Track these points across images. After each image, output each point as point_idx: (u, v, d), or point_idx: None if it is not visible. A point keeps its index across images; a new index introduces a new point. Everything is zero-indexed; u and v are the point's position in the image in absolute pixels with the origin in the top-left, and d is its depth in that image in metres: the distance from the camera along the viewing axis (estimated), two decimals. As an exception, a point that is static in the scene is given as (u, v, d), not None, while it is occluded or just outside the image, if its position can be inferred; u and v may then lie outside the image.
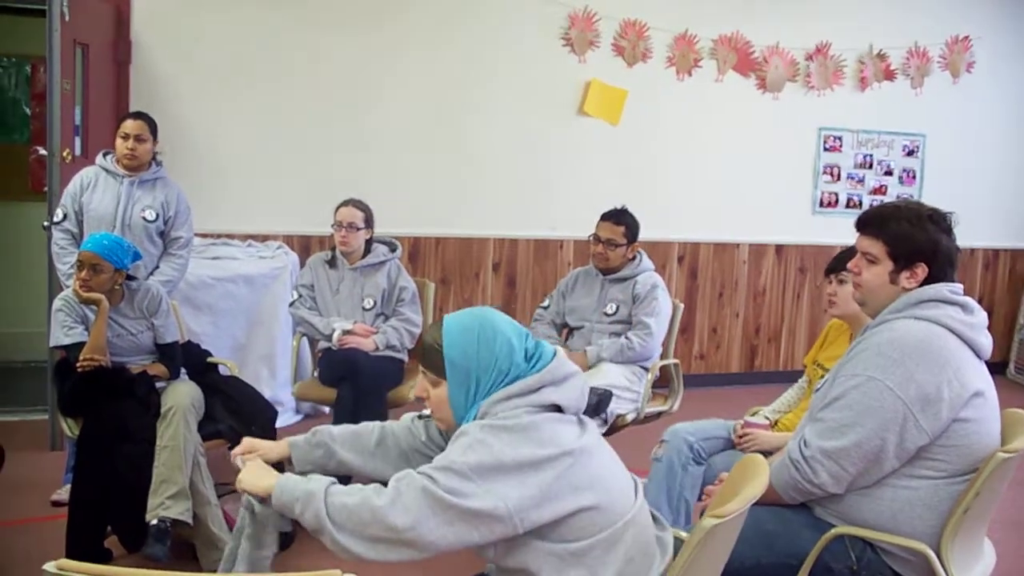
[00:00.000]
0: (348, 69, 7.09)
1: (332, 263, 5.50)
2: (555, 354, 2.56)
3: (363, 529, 2.34)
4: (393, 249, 5.60)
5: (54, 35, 5.58)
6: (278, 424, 4.89)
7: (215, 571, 4.22)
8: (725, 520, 2.41)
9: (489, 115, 7.44)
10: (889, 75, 8.44)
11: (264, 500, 2.55)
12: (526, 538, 2.38)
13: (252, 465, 2.68)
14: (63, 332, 4.49)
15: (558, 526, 2.38)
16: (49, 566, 2.04)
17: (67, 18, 5.65)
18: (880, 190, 8.57)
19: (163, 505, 4.14)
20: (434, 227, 7.41)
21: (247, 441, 3.00)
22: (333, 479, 2.46)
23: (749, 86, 8.11)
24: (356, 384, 5.02)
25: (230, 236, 6.85)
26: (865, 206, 8.37)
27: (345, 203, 5.46)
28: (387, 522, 2.31)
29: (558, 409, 2.47)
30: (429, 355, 2.55)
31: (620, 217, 5.46)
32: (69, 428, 4.55)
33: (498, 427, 2.39)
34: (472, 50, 7.35)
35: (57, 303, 4.57)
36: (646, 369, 5.33)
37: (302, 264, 6.10)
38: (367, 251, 5.50)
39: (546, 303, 5.72)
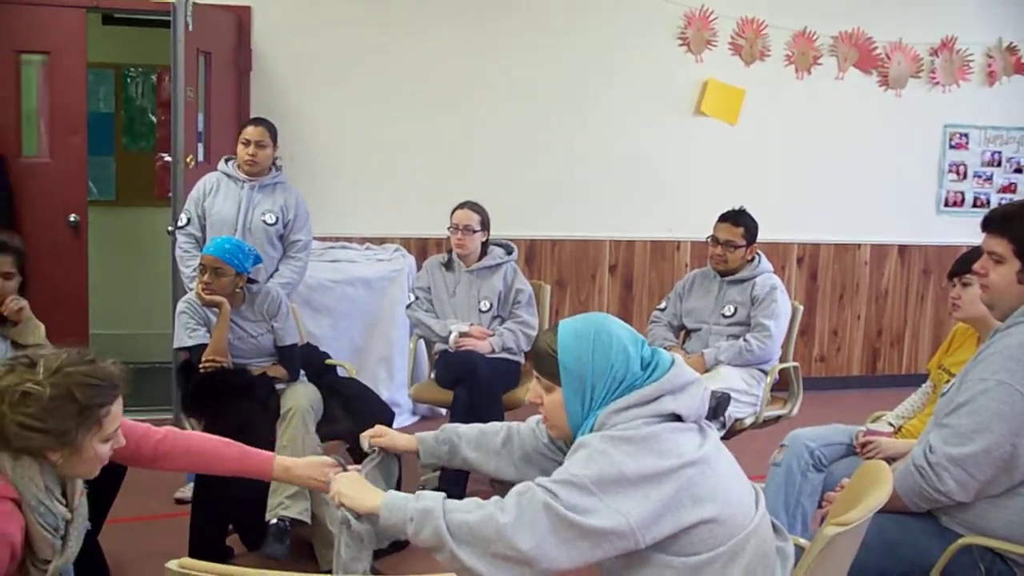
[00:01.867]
0: (464, 73, 7.13)
1: (449, 266, 5.52)
2: (673, 362, 2.51)
3: (487, 546, 2.30)
4: (509, 251, 5.59)
5: (178, 45, 5.70)
6: (395, 426, 4.89)
7: (332, 571, 4.28)
8: (848, 528, 2.35)
9: (605, 116, 7.41)
10: (1020, 69, 8.17)
11: (360, 517, 2.52)
12: (645, 552, 2.33)
13: (351, 480, 2.63)
14: (186, 334, 4.59)
15: (678, 539, 2.33)
16: (172, 564, 2.07)
17: (191, 28, 5.77)
18: (1009, 188, 8.31)
19: (282, 505, 4.21)
20: (550, 229, 7.41)
21: (379, 427, 3.01)
22: (444, 494, 2.42)
23: (871, 83, 7.94)
24: (472, 386, 5.03)
25: (348, 239, 6.94)
26: (993, 205, 8.12)
27: (461, 206, 5.48)
28: (511, 541, 2.27)
29: (678, 418, 2.42)
30: (543, 360, 2.52)
31: (739, 218, 5.38)
32: (192, 428, 4.63)
33: (618, 438, 2.34)
34: (588, 51, 7.33)
35: (181, 306, 4.67)
36: (765, 372, 5.24)
37: (419, 267, 6.12)
38: (483, 253, 5.50)
39: (663, 305, 5.66)
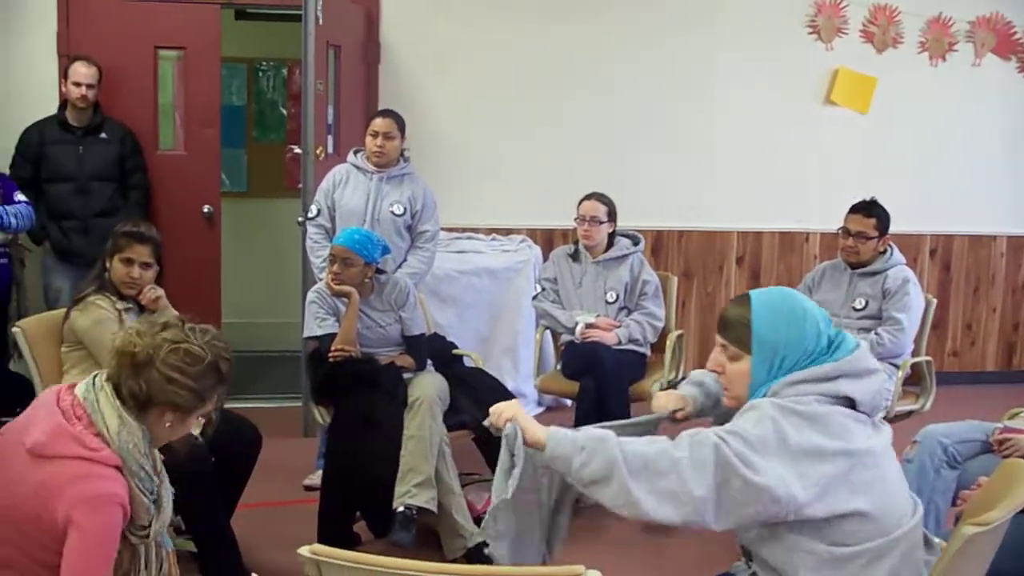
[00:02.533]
0: (591, 63, 7.10)
1: (575, 257, 5.50)
2: (857, 346, 2.48)
3: (657, 480, 2.30)
4: (636, 242, 5.55)
5: (309, 38, 5.78)
6: (521, 417, 4.93)
7: (458, 560, 4.30)
8: (987, 529, 2.28)
9: (733, 105, 7.31)
10: None
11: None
12: (791, 531, 2.32)
13: (519, 408, 2.60)
14: (316, 323, 4.66)
15: (827, 525, 2.31)
16: (303, 550, 2.10)
17: (321, 22, 5.84)
18: None
19: (409, 493, 4.24)
20: (677, 220, 7.34)
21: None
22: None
23: (1009, 69, 7.68)
24: (598, 377, 5.01)
25: (474, 230, 6.97)
26: None
27: (588, 197, 5.45)
28: (683, 476, 2.28)
29: (851, 404, 2.39)
30: (734, 329, 2.52)
31: (870, 209, 5.25)
32: (320, 416, 4.71)
33: (788, 409, 2.34)
34: (717, 39, 7.24)
35: (310, 295, 4.74)
36: (896, 366, 5.11)
37: (545, 257, 6.13)
38: (610, 244, 5.47)
39: (792, 297, 5.55)
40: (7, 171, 5.79)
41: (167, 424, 2.62)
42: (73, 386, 2.61)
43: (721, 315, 2.61)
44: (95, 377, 2.62)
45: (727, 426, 2.36)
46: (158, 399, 2.56)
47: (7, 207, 5.18)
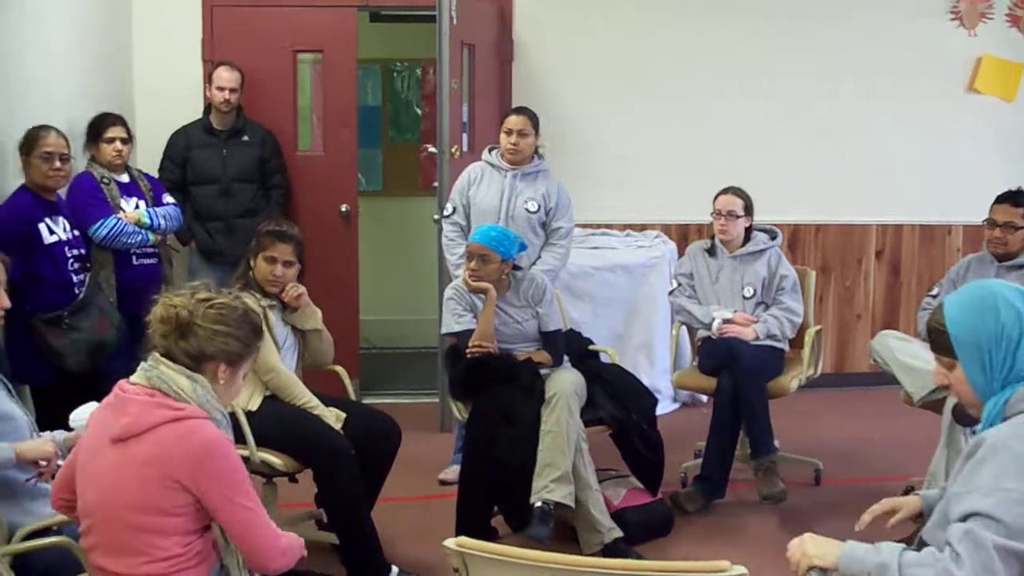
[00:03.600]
0: (723, 56, 7.04)
1: (712, 252, 5.45)
2: None
3: None
4: (773, 237, 5.47)
5: (443, 38, 5.86)
6: (657, 413, 4.92)
7: (595, 555, 4.31)
8: None
9: (870, 95, 7.16)
10: None
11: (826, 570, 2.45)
12: None
13: (810, 538, 2.55)
14: (454, 320, 4.72)
15: None
16: (449, 542, 2.14)
17: (455, 21, 5.91)
18: None
19: (547, 488, 4.26)
20: (814, 214, 7.23)
21: (887, 501, 2.84)
22: (903, 545, 2.35)
23: None
24: (736, 373, 4.96)
25: (609, 226, 6.96)
26: None
27: (725, 191, 5.40)
28: None
29: None
30: (936, 338, 2.48)
31: (1018, 198, 5.07)
32: (458, 411, 4.76)
33: None
34: (853, 29, 7.10)
35: (448, 292, 4.79)
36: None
37: (680, 253, 6.09)
38: (747, 239, 5.40)
39: (934, 291, 5.40)
40: (156, 174, 5.98)
41: (221, 381, 2.74)
42: (127, 381, 2.73)
43: (926, 327, 2.56)
44: (145, 361, 2.74)
45: (982, 489, 2.23)
46: (209, 352, 2.69)
47: (156, 209, 5.34)
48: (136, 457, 2.58)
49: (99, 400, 3.30)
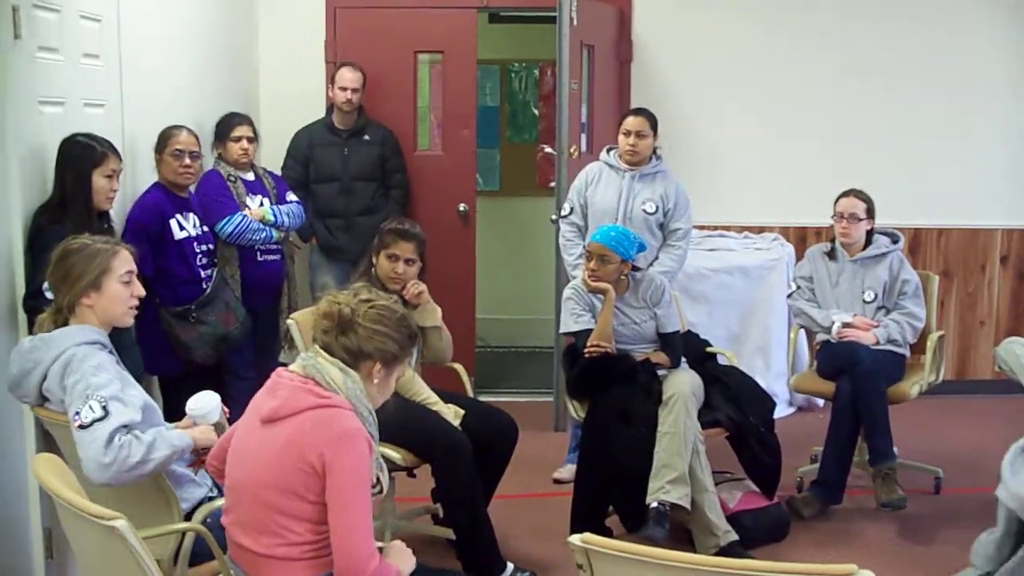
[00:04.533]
0: (844, 57, 6.95)
1: (832, 255, 5.38)
2: None
3: None
4: (895, 240, 5.39)
5: (563, 39, 5.89)
6: (774, 416, 4.88)
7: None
8: None
9: (993, 96, 7.02)
10: None
11: None
12: None
13: None
14: (572, 319, 4.74)
15: None
16: (574, 539, 2.16)
17: (575, 22, 5.93)
18: None
19: (663, 489, 4.26)
20: (936, 217, 7.08)
21: None
22: None
23: None
24: (855, 378, 4.90)
25: (726, 228, 6.93)
26: None
27: (846, 194, 5.33)
28: None
29: None
30: None
31: None
32: (575, 410, 4.78)
33: None
34: (972, 29, 6.98)
35: (567, 292, 4.82)
36: None
37: (798, 255, 6.03)
38: (868, 242, 5.33)
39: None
40: (280, 172, 6.11)
41: (375, 380, 2.83)
42: (285, 368, 2.84)
43: None
44: (305, 353, 2.85)
45: None
46: (366, 350, 2.78)
47: (280, 206, 5.46)
48: (279, 439, 2.67)
49: (217, 392, 3.43)
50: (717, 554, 4.31)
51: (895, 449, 4.98)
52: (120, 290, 3.26)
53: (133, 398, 3.13)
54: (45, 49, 4.00)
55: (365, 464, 2.69)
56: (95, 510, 2.25)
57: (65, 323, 3.24)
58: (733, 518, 4.54)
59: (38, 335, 3.23)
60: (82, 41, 4.31)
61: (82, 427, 2.95)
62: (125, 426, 2.98)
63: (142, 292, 3.38)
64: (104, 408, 2.96)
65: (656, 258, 5.35)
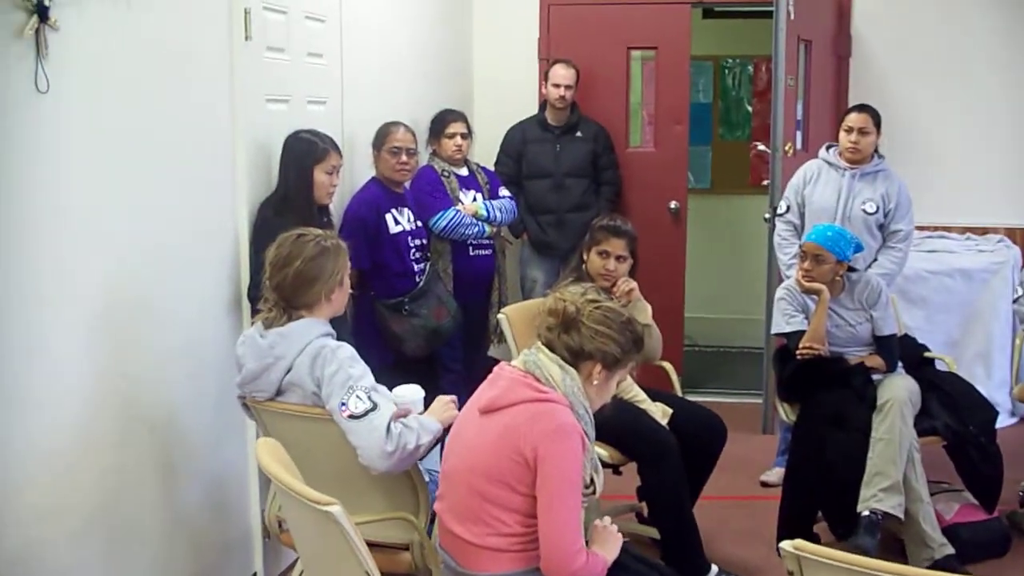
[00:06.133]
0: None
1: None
2: None
3: None
4: None
5: (780, 33, 5.79)
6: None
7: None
8: None
9: None
10: None
11: None
12: None
13: None
14: (784, 320, 4.64)
15: None
16: (786, 545, 2.13)
17: (792, 16, 5.82)
18: None
19: (875, 497, 4.14)
20: None
21: None
22: None
23: None
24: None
25: (947, 229, 6.67)
26: None
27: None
28: None
29: None
30: None
31: None
32: (785, 413, 4.69)
33: None
34: None
35: (779, 292, 4.73)
36: None
37: (1025, 258, 5.79)
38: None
39: None
40: (492, 168, 6.20)
41: (595, 382, 2.84)
42: (507, 363, 2.90)
43: None
44: (528, 349, 2.90)
45: None
46: (587, 349, 2.81)
47: (493, 202, 5.54)
48: (495, 429, 2.74)
49: (427, 383, 3.51)
50: (931, 567, 4.16)
51: None
52: (346, 284, 3.38)
53: (383, 389, 3.24)
54: (273, 49, 4.19)
55: (577, 460, 2.71)
56: (312, 495, 2.33)
57: (291, 318, 3.30)
58: (949, 531, 4.37)
59: (273, 330, 3.26)
60: (307, 41, 4.49)
61: (353, 417, 3.06)
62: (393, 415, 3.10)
63: (352, 288, 3.50)
64: (371, 399, 3.08)
65: (875, 260, 5.20)
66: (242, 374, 3.32)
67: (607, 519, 2.94)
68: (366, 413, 3.04)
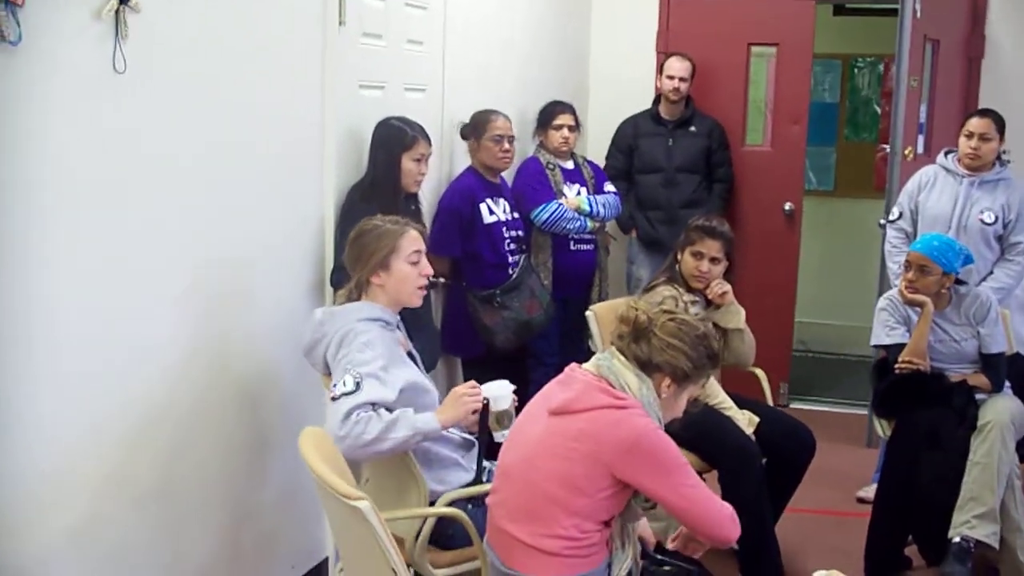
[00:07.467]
0: None
1: None
2: None
3: None
4: None
5: (904, 32, 5.59)
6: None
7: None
8: None
9: None
10: None
11: None
12: None
13: None
14: (884, 331, 4.46)
15: None
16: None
17: (919, 15, 5.60)
18: None
19: (968, 523, 3.96)
20: None
21: None
22: None
23: None
24: None
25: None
26: None
27: None
28: None
29: None
30: None
31: None
32: (881, 428, 4.51)
33: None
34: None
35: (881, 302, 4.55)
36: None
37: None
38: None
39: None
40: (604, 162, 6.12)
41: (663, 395, 2.77)
42: (578, 364, 2.84)
43: None
44: (603, 353, 2.83)
45: None
46: (656, 361, 2.74)
47: (597, 197, 5.45)
48: (567, 432, 2.68)
49: (517, 379, 3.46)
50: (1027, 603, 3.97)
51: None
52: (408, 270, 3.33)
53: (395, 379, 3.18)
54: (369, 35, 4.18)
55: (666, 449, 2.70)
56: (342, 489, 2.30)
57: (357, 300, 3.34)
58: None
59: (328, 308, 3.37)
60: (406, 27, 4.46)
61: (332, 399, 3.06)
62: (372, 404, 3.04)
63: (430, 271, 3.44)
64: (357, 384, 3.05)
65: (990, 272, 4.97)
66: (303, 344, 3.39)
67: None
68: (341, 396, 3.02)
